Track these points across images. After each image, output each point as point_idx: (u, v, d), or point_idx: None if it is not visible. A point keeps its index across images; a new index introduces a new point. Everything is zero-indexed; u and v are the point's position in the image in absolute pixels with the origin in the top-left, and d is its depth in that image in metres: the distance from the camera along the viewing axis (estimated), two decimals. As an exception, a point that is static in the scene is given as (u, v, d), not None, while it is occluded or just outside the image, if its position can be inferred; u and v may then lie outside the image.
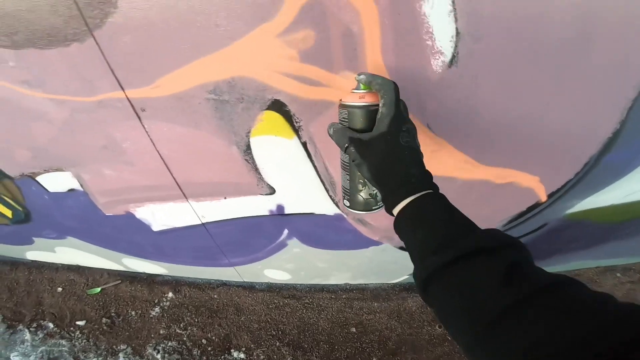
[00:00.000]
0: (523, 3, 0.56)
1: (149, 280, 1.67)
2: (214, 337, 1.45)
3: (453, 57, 0.63)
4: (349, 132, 0.54)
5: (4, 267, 1.84)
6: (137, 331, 1.51)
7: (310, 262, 1.32)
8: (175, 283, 1.64)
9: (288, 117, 0.75)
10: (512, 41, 0.60)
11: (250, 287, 1.58)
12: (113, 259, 1.55)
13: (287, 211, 1.02)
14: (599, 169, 0.82)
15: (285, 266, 1.37)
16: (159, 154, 0.85)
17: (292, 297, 1.53)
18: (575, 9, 0.56)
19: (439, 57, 0.63)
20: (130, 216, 1.12)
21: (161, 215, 1.10)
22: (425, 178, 0.51)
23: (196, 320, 1.51)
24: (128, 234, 1.25)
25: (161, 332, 1.49)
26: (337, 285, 1.55)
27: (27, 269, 1.81)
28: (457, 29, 0.59)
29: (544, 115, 0.70)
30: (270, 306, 1.51)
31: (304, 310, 1.49)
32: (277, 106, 0.73)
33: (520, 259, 0.38)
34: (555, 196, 0.91)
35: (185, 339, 1.46)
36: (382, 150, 0.50)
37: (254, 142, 0.80)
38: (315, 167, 0.85)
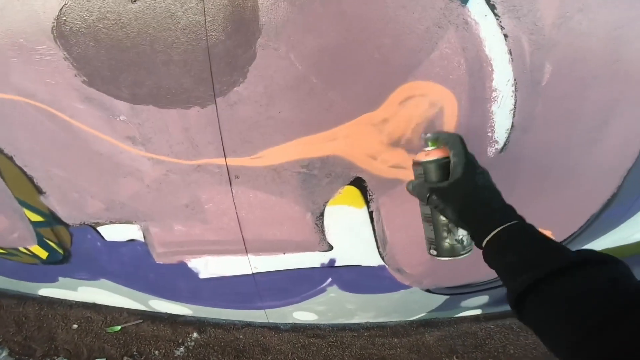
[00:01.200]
0: (566, 99, 0.72)
1: (171, 320, 1.68)
2: (241, 378, 1.49)
3: (504, 145, 0.78)
4: (428, 184, 0.59)
5: (10, 301, 1.77)
6: (161, 372, 1.51)
7: (341, 304, 1.41)
8: (199, 323, 1.66)
9: (364, 190, 0.87)
10: (551, 130, 0.76)
11: (275, 328, 1.63)
12: (138, 300, 1.56)
13: (337, 264, 1.12)
14: (599, 222, 1.00)
15: (316, 308, 1.45)
16: (237, 216, 0.95)
17: (316, 336, 1.60)
18: (603, 104, 0.72)
19: (494, 145, 0.79)
20: (182, 265, 1.18)
21: (214, 265, 1.17)
22: (508, 210, 0.54)
23: (223, 360, 1.54)
24: (172, 279, 1.29)
25: (187, 372, 1.51)
26: (359, 323, 1.64)
27: (37, 304, 1.76)
28: (512, 123, 0.75)
29: (564, 183, 0.88)
30: (296, 345, 1.57)
31: (329, 349, 1.56)
32: (357, 182, 0.85)
33: (621, 274, 0.40)
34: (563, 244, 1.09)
35: (212, 379, 1.49)
36: (461, 192, 0.55)
37: (328, 209, 0.92)
38: (374, 229, 0.97)
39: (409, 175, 0.84)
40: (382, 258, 1.09)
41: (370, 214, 0.92)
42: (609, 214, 0.98)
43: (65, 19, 0.66)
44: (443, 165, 0.59)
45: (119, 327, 1.67)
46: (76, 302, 1.75)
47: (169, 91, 0.73)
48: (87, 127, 0.82)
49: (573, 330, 0.37)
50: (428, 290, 1.31)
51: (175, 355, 1.57)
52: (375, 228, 0.97)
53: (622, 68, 0.67)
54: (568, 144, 0.79)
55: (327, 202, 0.90)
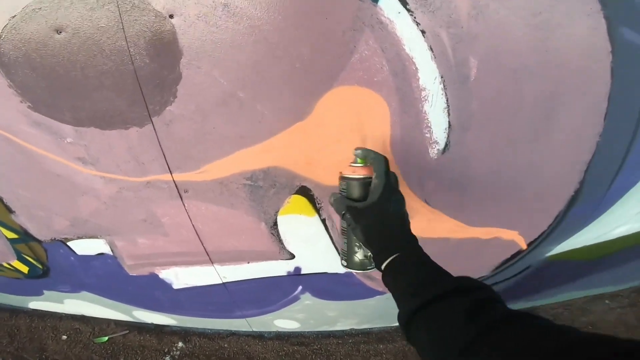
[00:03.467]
0: (501, 95, 0.69)
1: (157, 330, 1.70)
2: (225, 387, 1.49)
3: (446, 145, 0.76)
4: (347, 201, 0.62)
5: (3, 314, 1.83)
6: (147, 382, 1.53)
7: (320, 311, 1.40)
8: (184, 333, 1.68)
9: (312, 199, 0.86)
10: (492, 127, 0.74)
11: (259, 336, 1.63)
12: (122, 311, 1.59)
13: (303, 272, 1.12)
14: (567, 220, 0.96)
15: (296, 316, 1.45)
16: (194, 228, 0.95)
17: (300, 344, 1.59)
18: (541, 97, 0.70)
19: (435, 146, 0.77)
20: (153, 276, 1.19)
21: (184, 276, 1.18)
22: (410, 240, 0.58)
23: (207, 369, 1.54)
24: (147, 290, 1.31)
25: (172, 382, 1.52)
26: (343, 330, 1.63)
27: (28, 316, 1.81)
28: (449, 122, 0.73)
29: (520, 183, 0.85)
30: (280, 353, 1.57)
31: (313, 356, 1.55)
32: (304, 191, 0.85)
33: (485, 299, 0.44)
34: (534, 244, 1.05)
35: (196, 389, 1.49)
36: (373, 217, 0.58)
37: (281, 219, 0.91)
38: (331, 237, 0.96)
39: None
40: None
41: (323, 221, 0.91)
42: (576, 211, 0.94)
43: (2, 50, 0.68)
44: (365, 184, 0.61)
45: (106, 338, 1.70)
46: (65, 314, 1.79)
47: (106, 113, 0.75)
48: (41, 150, 0.85)
49: (441, 354, 0.41)
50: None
51: (161, 365, 1.59)
52: (332, 236, 0.96)
53: (553, 58, 0.63)
54: (513, 140, 0.76)
55: (277, 211, 0.89)
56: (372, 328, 1.64)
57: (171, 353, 1.62)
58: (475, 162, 0.80)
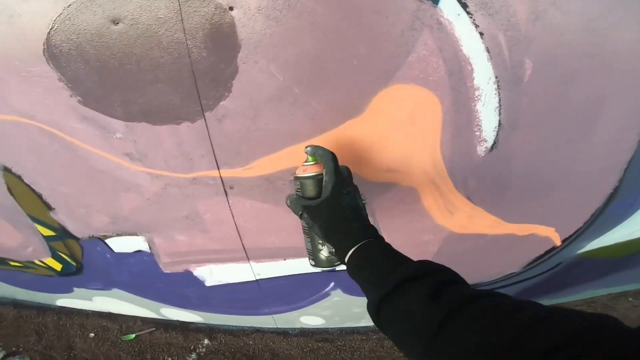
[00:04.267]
0: (551, 96, 0.71)
1: (183, 327, 1.72)
2: (252, 383, 1.51)
3: (494, 143, 0.78)
4: (302, 200, 0.63)
5: (30, 312, 1.85)
6: (175, 378, 1.55)
7: (347, 307, 1.41)
8: (209, 330, 1.70)
9: (355, 196, 0.88)
10: (539, 127, 0.75)
11: (284, 333, 1.65)
12: (150, 308, 1.60)
13: (338, 268, 1.13)
14: (603, 217, 0.97)
15: (322, 313, 1.46)
16: (235, 224, 0.97)
17: (325, 340, 1.61)
18: (587, 99, 0.71)
19: (483, 144, 0.78)
20: (187, 273, 1.21)
21: (218, 273, 1.19)
22: (367, 229, 0.58)
23: (233, 366, 1.56)
24: (179, 288, 1.32)
25: (199, 379, 1.54)
26: (367, 326, 1.64)
27: (55, 314, 1.83)
28: (499, 121, 0.74)
29: (560, 180, 0.86)
30: (305, 350, 1.58)
31: (338, 353, 1.57)
32: (348, 188, 0.86)
33: (447, 280, 0.44)
34: (568, 241, 1.06)
35: (223, 385, 1.51)
36: (327, 212, 0.59)
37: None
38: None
39: (401, 178, 0.85)
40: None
41: (365, 218, 0.92)
42: (613, 209, 0.95)
43: (54, 42, 0.68)
44: (318, 182, 0.62)
45: (133, 335, 1.72)
46: (92, 311, 1.81)
47: (159, 108, 0.75)
48: (86, 145, 0.86)
49: (415, 343, 0.41)
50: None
51: (188, 362, 1.60)
52: (372, 232, 0.97)
53: (603, 61, 0.65)
54: (559, 140, 0.77)
55: (320, 208, 0.90)
56: (396, 325, 1.65)
57: (197, 350, 1.64)
58: (519, 161, 0.81)
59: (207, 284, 1.26)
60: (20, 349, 1.75)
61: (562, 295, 1.58)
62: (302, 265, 1.11)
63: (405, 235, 0.98)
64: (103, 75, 0.71)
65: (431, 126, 0.75)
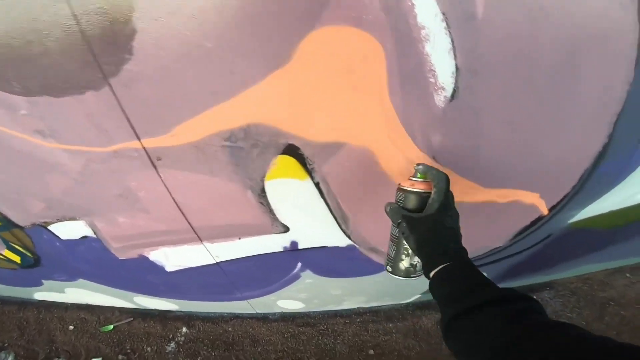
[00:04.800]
0: (515, 37, 0.58)
1: (162, 316, 1.66)
2: (231, 371, 1.44)
3: (454, 91, 0.65)
4: (403, 211, 0.63)
5: (11, 307, 1.83)
6: (153, 368, 1.49)
7: (324, 290, 1.32)
8: (188, 318, 1.63)
9: (301, 159, 0.76)
10: (506, 73, 0.62)
11: (263, 318, 1.57)
12: (124, 298, 1.54)
13: (300, 246, 1.02)
14: (593, 180, 0.84)
15: (298, 296, 1.37)
16: (175, 201, 0.86)
17: (306, 324, 1.53)
18: (561, 42, 0.58)
19: (442, 92, 0.65)
20: (143, 259, 1.12)
21: (175, 257, 1.11)
22: (461, 252, 0.60)
23: (213, 353, 1.49)
24: (141, 274, 1.25)
25: (178, 368, 1.48)
26: (350, 309, 1.55)
27: (35, 308, 1.80)
28: (456, 65, 0.61)
29: (540, 137, 0.73)
30: (285, 335, 1.50)
31: (320, 337, 1.48)
32: (291, 150, 0.74)
33: (526, 309, 0.46)
34: (556, 209, 0.93)
35: (202, 374, 1.45)
36: (428, 228, 0.60)
37: (269, 185, 0.81)
38: (327, 204, 0.86)
39: (348, 136, 0.73)
40: (348, 237, 0.98)
41: (317, 185, 0.81)
42: (603, 169, 0.81)
43: None
44: (423, 198, 0.63)
45: (111, 326, 1.67)
46: (70, 304, 1.77)
47: (57, 79, 0.66)
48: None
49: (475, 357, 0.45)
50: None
51: (167, 351, 1.55)
52: (329, 202, 0.86)
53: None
54: (531, 89, 0.64)
55: (263, 176, 0.79)
56: (381, 306, 1.55)
57: (176, 339, 1.58)
58: (489, 112, 0.68)
59: (168, 269, 1.18)
60: (6, 344, 1.72)
61: (554, 272, 1.45)
62: (261, 245, 1.01)
63: (366, 206, 0.86)
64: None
65: (374, 72, 0.62)
